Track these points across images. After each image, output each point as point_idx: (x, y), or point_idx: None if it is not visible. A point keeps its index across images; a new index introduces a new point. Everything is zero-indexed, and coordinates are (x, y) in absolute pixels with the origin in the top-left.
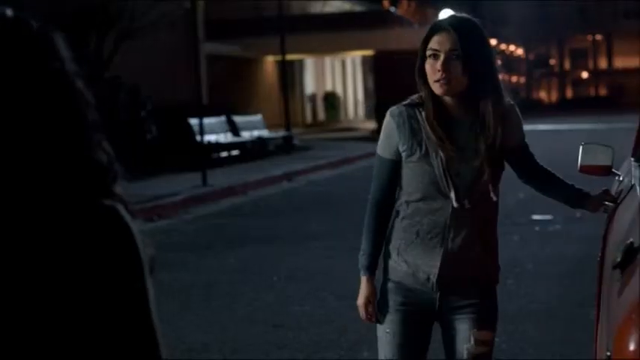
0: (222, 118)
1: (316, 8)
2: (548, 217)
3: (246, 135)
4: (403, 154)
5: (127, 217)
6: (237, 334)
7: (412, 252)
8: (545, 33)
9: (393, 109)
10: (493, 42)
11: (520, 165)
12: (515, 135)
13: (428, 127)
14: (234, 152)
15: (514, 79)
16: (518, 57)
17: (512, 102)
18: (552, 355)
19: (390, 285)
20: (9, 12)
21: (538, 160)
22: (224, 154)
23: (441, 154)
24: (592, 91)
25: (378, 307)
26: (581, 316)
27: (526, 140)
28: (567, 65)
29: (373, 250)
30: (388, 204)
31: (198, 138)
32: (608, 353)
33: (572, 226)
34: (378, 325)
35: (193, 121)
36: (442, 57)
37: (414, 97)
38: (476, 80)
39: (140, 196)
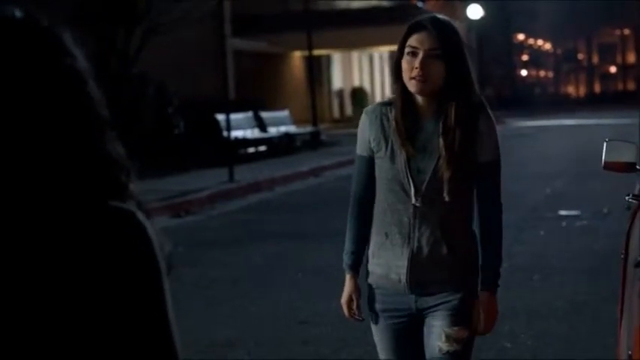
0: (250, 114)
1: (344, 4)
2: (575, 212)
3: (273, 131)
4: (374, 150)
5: (143, 218)
6: (262, 329)
7: (384, 254)
8: (574, 27)
9: (369, 106)
10: (521, 37)
11: (477, 187)
12: (482, 148)
13: (394, 124)
14: (261, 148)
15: (542, 73)
16: (546, 51)
17: (490, 114)
18: (577, 351)
19: (372, 291)
20: (18, 12)
21: (497, 201)
22: (251, 149)
23: (403, 151)
24: (620, 86)
25: (369, 310)
26: (607, 313)
27: (496, 170)
28: (595, 60)
29: (355, 248)
30: (369, 201)
31: (225, 134)
32: (630, 352)
33: (599, 222)
34: (372, 327)
35: (220, 117)
36: (421, 55)
37: (393, 96)
38: (451, 81)
39: (167, 192)
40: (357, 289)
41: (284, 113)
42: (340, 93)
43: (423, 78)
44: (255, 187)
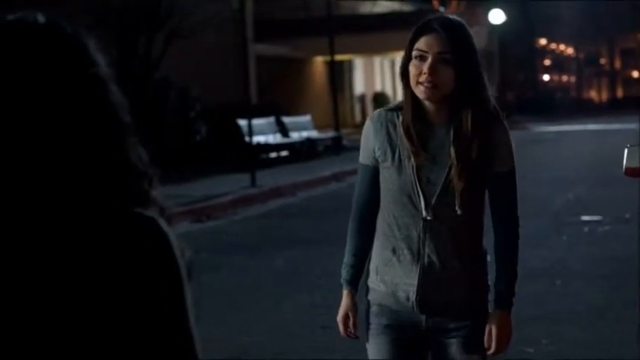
0: (271, 119)
1: (366, 8)
2: (597, 217)
3: (295, 136)
4: (379, 159)
5: (164, 225)
6: (284, 335)
7: (390, 271)
8: (596, 32)
9: (374, 112)
10: (543, 41)
11: (491, 199)
12: (497, 158)
13: (402, 132)
14: (284, 153)
15: (564, 78)
16: (569, 56)
17: (504, 122)
18: (599, 356)
19: (372, 308)
20: (41, 18)
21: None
22: (273, 154)
23: (413, 160)
24: None
25: (367, 327)
26: (629, 318)
27: (512, 181)
28: (618, 64)
29: (355, 262)
30: (371, 214)
31: (247, 139)
32: None
33: (622, 227)
34: (367, 348)
35: (242, 122)
36: (430, 59)
37: (399, 101)
38: (462, 86)
39: (189, 197)
40: (354, 306)
41: (306, 118)
42: (362, 98)
43: (432, 84)
44: (277, 192)
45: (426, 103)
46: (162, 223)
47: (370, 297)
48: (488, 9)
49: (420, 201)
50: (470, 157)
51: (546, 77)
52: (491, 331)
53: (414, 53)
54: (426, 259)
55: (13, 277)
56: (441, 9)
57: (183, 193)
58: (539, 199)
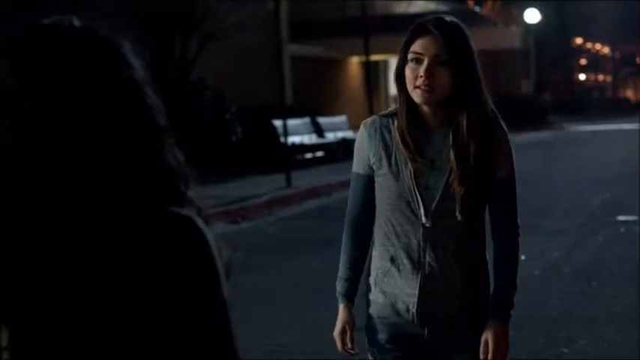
0: (307, 120)
1: (401, 8)
2: (633, 217)
3: (330, 136)
4: (374, 167)
5: (202, 225)
6: (320, 335)
7: (389, 281)
8: (632, 31)
9: (367, 119)
10: (579, 40)
11: (491, 205)
12: (497, 163)
13: (398, 137)
14: (319, 153)
15: (600, 77)
16: (605, 55)
17: (502, 125)
18: (634, 357)
19: (373, 322)
20: (77, 21)
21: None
22: (308, 155)
23: (410, 166)
24: None
25: (368, 344)
26: None
27: (511, 186)
28: None
29: (350, 275)
30: (366, 224)
31: (282, 139)
32: None
33: None
34: None
35: (277, 123)
36: (426, 62)
37: (394, 107)
38: (460, 89)
39: (225, 198)
40: (351, 320)
41: (341, 119)
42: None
43: (429, 87)
44: (313, 192)
45: (423, 106)
46: (200, 222)
47: (370, 310)
48: (524, 8)
49: (419, 207)
50: (470, 162)
51: (582, 77)
52: (487, 342)
53: (410, 56)
54: (426, 268)
55: (55, 274)
56: (477, 8)
57: (219, 194)
58: (574, 198)
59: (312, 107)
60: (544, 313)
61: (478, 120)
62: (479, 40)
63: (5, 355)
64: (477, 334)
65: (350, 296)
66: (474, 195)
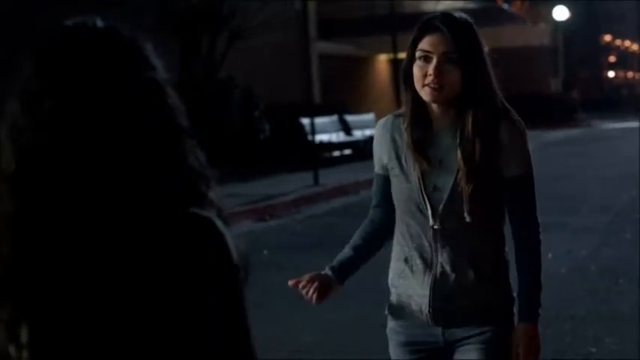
0: (334, 118)
1: (429, 6)
2: None
3: (358, 134)
4: (388, 168)
5: (221, 226)
6: (345, 334)
7: (404, 282)
8: None
9: (382, 119)
10: (608, 38)
11: (507, 205)
12: (508, 161)
13: (406, 137)
14: (347, 151)
15: (629, 75)
16: (634, 53)
17: (519, 121)
18: None
19: (392, 323)
20: (100, 22)
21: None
22: (336, 153)
23: (418, 167)
24: None
25: (389, 345)
26: None
27: (527, 185)
28: None
29: (341, 257)
30: (382, 224)
31: (309, 137)
32: None
33: None
34: None
35: (305, 121)
36: (435, 60)
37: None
38: (469, 87)
39: (252, 196)
40: (323, 278)
41: (369, 116)
42: None
43: (438, 85)
44: (340, 190)
45: (432, 105)
46: (219, 223)
47: (389, 311)
48: (552, 6)
49: (427, 209)
50: (476, 160)
51: (611, 74)
52: (518, 346)
53: (418, 54)
54: (438, 269)
55: (75, 272)
56: (505, 6)
57: (247, 192)
58: (602, 196)
59: (340, 105)
60: (570, 311)
61: (485, 117)
62: (507, 37)
63: (25, 352)
64: (493, 326)
65: (335, 269)
66: (482, 195)
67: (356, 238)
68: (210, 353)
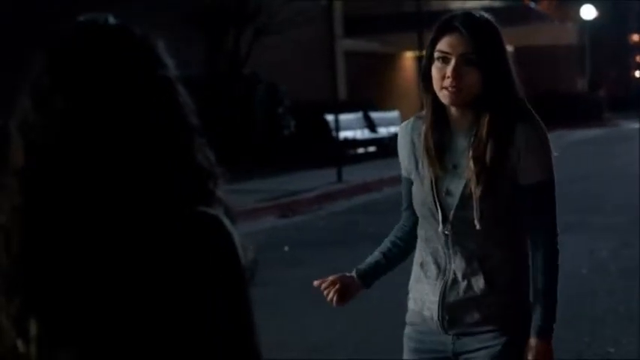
0: (359, 115)
1: (456, 5)
2: None
3: (383, 131)
4: (408, 171)
5: (229, 225)
6: (364, 332)
7: (419, 287)
8: None
9: (405, 121)
10: (635, 37)
11: (524, 214)
12: (524, 167)
13: (423, 140)
14: (371, 148)
15: None
16: None
17: (539, 126)
18: None
19: (406, 329)
20: (112, 19)
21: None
22: (360, 150)
23: (431, 171)
24: None
25: (404, 351)
26: None
27: (545, 194)
28: None
29: (369, 261)
30: (412, 228)
31: (334, 134)
32: None
33: None
34: None
35: (330, 118)
36: (453, 61)
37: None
38: (488, 89)
39: (275, 192)
40: (344, 280)
41: (394, 114)
42: None
43: (457, 88)
44: (364, 187)
45: (451, 108)
46: (226, 221)
47: (406, 316)
48: (580, 5)
49: (437, 214)
50: (487, 162)
51: (638, 74)
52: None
53: (436, 55)
54: (450, 276)
55: (84, 268)
56: (532, 5)
57: (270, 188)
58: (625, 196)
59: (366, 102)
60: (590, 311)
61: (502, 120)
62: (534, 36)
63: (33, 346)
64: (504, 344)
65: (361, 272)
66: (494, 201)
67: (386, 242)
68: (216, 353)
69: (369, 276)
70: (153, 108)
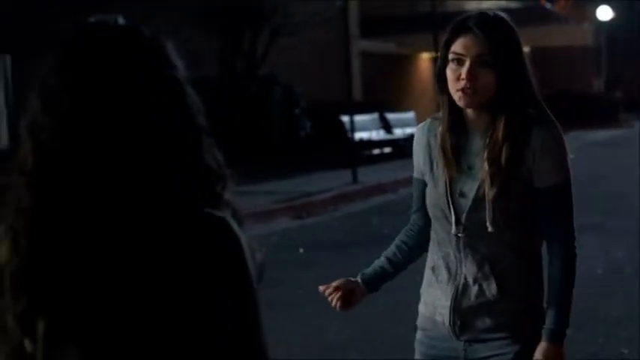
0: (375, 115)
1: (472, 5)
2: None
3: (398, 132)
4: (422, 172)
5: (236, 227)
6: (378, 334)
7: (431, 292)
8: None
9: (421, 123)
10: None
11: (539, 218)
12: (539, 170)
13: (440, 141)
14: (387, 149)
15: None
16: None
17: (556, 128)
18: None
19: (417, 334)
20: (121, 20)
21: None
22: (376, 151)
23: (446, 172)
24: None
25: (415, 356)
26: None
27: (561, 197)
28: None
29: (375, 266)
30: (420, 231)
31: (350, 135)
32: None
33: None
34: None
35: (345, 119)
36: (468, 63)
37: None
38: (504, 90)
39: (290, 193)
40: (349, 284)
41: (410, 115)
42: None
43: (472, 90)
44: (379, 189)
45: (467, 109)
46: (233, 223)
47: (417, 321)
48: (596, 5)
49: (451, 216)
50: (502, 164)
51: None
52: None
53: (451, 56)
54: (461, 280)
55: (91, 269)
56: (548, 5)
57: (285, 190)
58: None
59: (381, 103)
60: (605, 312)
61: (518, 121)
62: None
63: (40, 345)
64: (518, 352)
65: (366, 276)
66: (508, 203)
67: (392, 247)
68: (223, 355)
69: (374, 281)
70: (160, 109)
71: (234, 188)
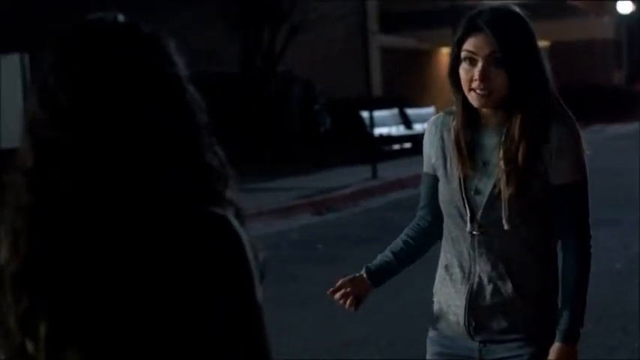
0: (395, 111)
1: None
2: None
3: (418, 127)
4: (435, 168)
5: (237, 225)
6: (396, 328)
7: (444, 290)
8: None
9: (434, 116)
10: None
11: (554, 216)
12: (556, 168)
13: (453, 137)
14: (406, 145)
15: None
16: None
17: (573, 125)
18: None
19: (430, 333)
20: (121, 18)
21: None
22: (396, 146)
23: (460, 168)
24: None
25: (427, 355)
26: None
27: (577, 195)
28: None
29: (379, 260)
30: (427, 227)
31: (369, 131)
32: None
33: None
34: None
35: (365, 114)
36: (480, 63)
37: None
38: (519, 88)
39: (310, 189)
40: (354, 280)
41: (430, 110)
42: None
43: (486, 90)
44: (399, 184)
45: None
46: (234, 222)
47: (432, 321)
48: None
49: (465, 213)
50: (519, 162)
51: None
52: None
53: (463, 55)
54: (475, 279)
55: (91, 270)
56: None
57: (305, 185)
58: None
59: (401, 98)
60: (622, 307)
61: (535, 118)
62: (570, 31)
63: (41, 346)
64: (534, 354)
65: (368, 270)
66: (524, 201)
67: (398, 242)
68: (225, 355)
69: (379, 276)
70: (156, 105)
71: (255, 185)
